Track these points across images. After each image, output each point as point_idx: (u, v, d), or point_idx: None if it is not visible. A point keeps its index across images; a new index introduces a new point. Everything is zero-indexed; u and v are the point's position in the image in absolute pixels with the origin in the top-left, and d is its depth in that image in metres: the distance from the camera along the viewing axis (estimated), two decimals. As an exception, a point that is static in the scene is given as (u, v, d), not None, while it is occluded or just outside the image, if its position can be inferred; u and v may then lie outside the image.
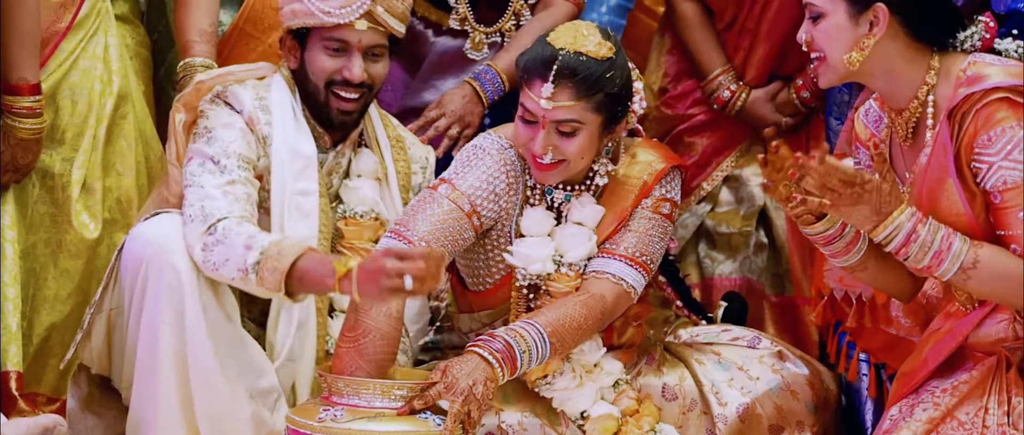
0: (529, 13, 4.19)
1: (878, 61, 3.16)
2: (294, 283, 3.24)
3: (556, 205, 3.63)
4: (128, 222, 3.81)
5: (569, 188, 3.62)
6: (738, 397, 3.62)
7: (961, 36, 3.21)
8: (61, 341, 3.80)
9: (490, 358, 3.30)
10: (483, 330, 3.58)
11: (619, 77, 3.48)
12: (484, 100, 4.09)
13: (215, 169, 3.43)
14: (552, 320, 3.43)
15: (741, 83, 4.35)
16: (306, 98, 3.60)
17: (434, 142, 3.99)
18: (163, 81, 4.22)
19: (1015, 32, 3.33)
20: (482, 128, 3.99)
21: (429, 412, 3.23)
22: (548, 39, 3.48)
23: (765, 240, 4.45)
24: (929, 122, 3.18)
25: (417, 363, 3.77)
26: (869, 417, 3.79)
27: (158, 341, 3.34)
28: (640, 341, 3.75)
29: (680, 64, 4.44)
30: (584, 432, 3.56)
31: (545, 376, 3.56)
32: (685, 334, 3.82)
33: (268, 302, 3.51)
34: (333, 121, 3.59)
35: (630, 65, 3.56)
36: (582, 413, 3.56)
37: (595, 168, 3.60)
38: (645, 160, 3.65)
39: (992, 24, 3.24)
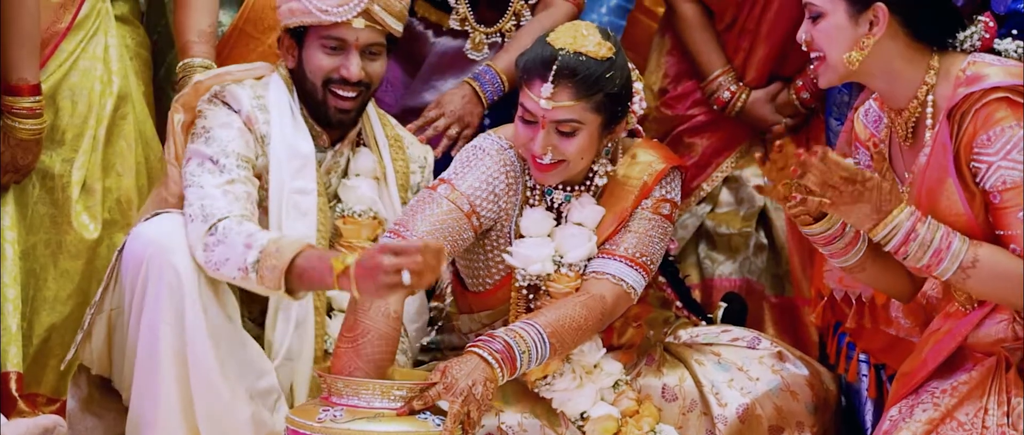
0: (529, 13, 4.19)
1: (878, 61, 3.17)
2: (294, 280, 3.24)
3: (556, 206, 3.63)
4: (128, 223, 3.81)
5: (569, 188, 3.62)
6: (738, 398, 3.62)
7: (961, 36, 3.21)
8: (61, 342, 3.80)
9: (490, 358, 3.30)
10: (483, 331, 3.57)
11: (619, 77, 3.48)
12: (483, 100, 4.10)
13: (214, 169, 3.43)
14: (552, 321, 3.43)
15: (741, 84, 4.35)
16: (304, 97, 3.60)
17: (433, 142, 3.99)
18: (163, 82, 4.22)
19: (1015, 32, 3.33)
20: (482, 129, 3.99)
21: (428, 412, 3.23)
22: (548, 39, 3.48)
23: (765, 241, 4.45)
24: (928, 122, 3.18)
25: (417, 364, 3.77)
26: (869, 418, 3.79)
27: (158, 341, 3.34)
28: (640, 342, 3.75)
29: (680, 65, 4.44)
30: (584, 433, 3.56)
31: (545, 377, 3.56)
32: (685, 335, 3.82)
33: (267, 301, 3.51)
34: (331, 120, 3.59)
35: (630, 66, 3.56)
36: (582, 414, 3.55)
37: (595, 168, 3.60)
38: (645, 161, 3.65)
39: (991, 24, 3.24)
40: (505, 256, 3.60)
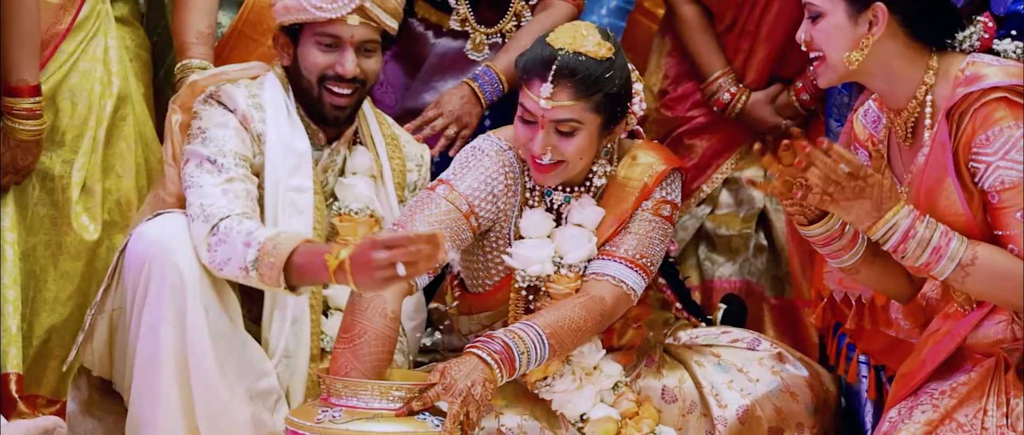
0: (530, 14, 4.19)
1: (877, 61, 3.16)
2: (293, 276, 3.25)
3: (556, 207, 3.63)
4: (128, 224, 3.81)
5: (569, 189, 3.62)
6: (738, 399, 3.62)
7: (960, 36, 3.21)
8: (61, 343, 3.81)
9: (489, 359, 3.29)
10: (482, 332, 3.57)
11: (618, 77, 3.48)
12: (482, 101, 4.10)
13: (213, 169, 3.44)
14: (551, 322, 3.43)
15: (741, 85, 4.35)
16: (300, 95, 3.60)
17: (430, 141, 3.99)
18: (163, 83, 4.22)
19: (1014, 33, 3.34)
20: (482, 130, 3.99)
21: (427, 413, 3.23)
22: (547, 39, 3.48)
23: (765, 242, 4.45)
24: (927, 122, 3.17)
25: (416, 364, 3.77)
26: (869, 419, 3.78)
27: (159, 341, 3.34)
28: (640, 343, 3.75)
29: (680, 66, 4.44)
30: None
31: (545, 378, 3.55)
32: (685, 336, 3.82)
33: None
34: (327, 117, 3.59)
35: (630, 66, 3.56)
36: (582, 415, 3.55)
37: (594, 169, 3.60)
38: (645, 162, 3.65)
39: (991, 25, 3.24)
40: (504, 257, 3.60)
